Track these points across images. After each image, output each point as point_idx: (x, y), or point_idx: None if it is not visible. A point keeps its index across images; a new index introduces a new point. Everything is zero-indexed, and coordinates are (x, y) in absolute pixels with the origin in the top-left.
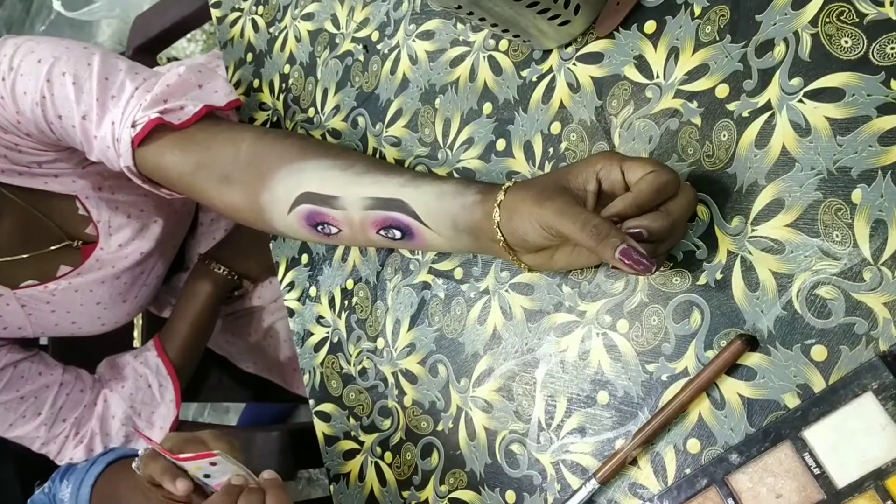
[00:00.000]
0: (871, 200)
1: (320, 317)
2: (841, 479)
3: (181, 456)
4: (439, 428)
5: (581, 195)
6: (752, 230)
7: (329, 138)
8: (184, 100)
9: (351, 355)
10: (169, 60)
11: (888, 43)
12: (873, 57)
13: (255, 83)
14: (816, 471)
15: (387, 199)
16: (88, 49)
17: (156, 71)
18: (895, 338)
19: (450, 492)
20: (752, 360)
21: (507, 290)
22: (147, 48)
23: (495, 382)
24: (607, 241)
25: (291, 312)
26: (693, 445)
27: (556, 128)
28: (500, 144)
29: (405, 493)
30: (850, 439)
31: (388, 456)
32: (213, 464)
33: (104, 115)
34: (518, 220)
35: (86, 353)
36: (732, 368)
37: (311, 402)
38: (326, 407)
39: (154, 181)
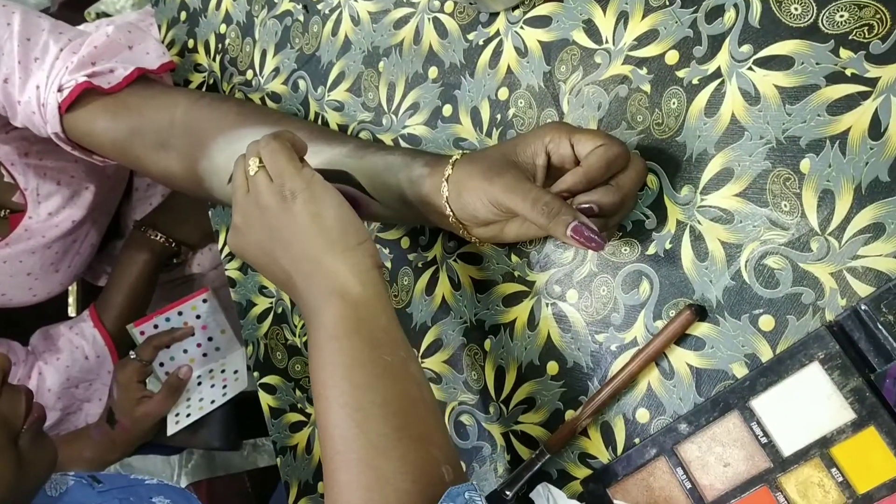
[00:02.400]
0: (820, 170)
1: (263, 287)
2: (787, 448)
3: (182, 299)
4: None
5: (530, 169)
6: (702, 200)
7: (269, 102)
8: (113, 62)
9: (296, 326)
10: (98, 16)
11: (837, 10)
12: (823, 24)
13: (190, 43)
14: (763, 440)
15: (331, 171)
16: (7, 7)
17: (82, 31)
18: (841, 308)
19: None
20: (701, 329)
21: (454, 260)
22: (74, 3)
23: (444, 353)
24: (558, 218)
25: (233, 283)
26: (642, 415)
27: (503, 93)
28: (447, 110)
29: None
30: (797, 408)
31: None
32: (205, 300)
33: (28, 78)
34: (467, 196)
35: (18, 325)
36: (681, 338)
37: (256, 374)
38: (271, 379)
39: (85, 147)
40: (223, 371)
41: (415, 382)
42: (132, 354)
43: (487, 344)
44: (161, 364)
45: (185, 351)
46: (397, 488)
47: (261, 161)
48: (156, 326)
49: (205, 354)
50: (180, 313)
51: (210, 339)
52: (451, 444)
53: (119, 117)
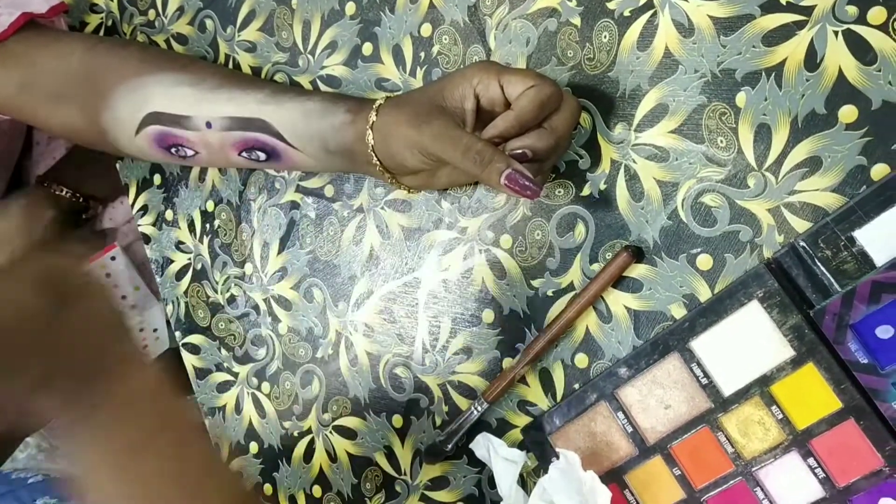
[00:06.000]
0: (756, 104)
1: (180, 242)
2: (727, 388)
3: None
4: (318, 355)
5: (459, 113)
6: (636, 137)
7: (174, 45)
8: None
9: (217, 282)
10: None
11: None
12: None
13: None
14: (704, 380)
15: (246, 119)
16: None
17: None
18: (779, 244)
19: (333, 419)
20: (638, 271)
21: (382, 208)
22: None
23: (375, 305)
24: (491, 166)
25: (147, 239)
26: (581, 360)
27: (426, 30)
28: (367, 49)
29: (286, 424)
30: (736, 348)
31: (265, 386)
32: (113, 258)
33: None
34: (394, 144)
35: None
36: (618, 281)
37: (178, 333)
38: (194, 338)
39: None
40: (142, 330)
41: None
42: None
43: (421, 294)
44: None
45: None
46: None
47: None
48: None
49: None
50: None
51: (123, 297)
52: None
53: (8, 69)
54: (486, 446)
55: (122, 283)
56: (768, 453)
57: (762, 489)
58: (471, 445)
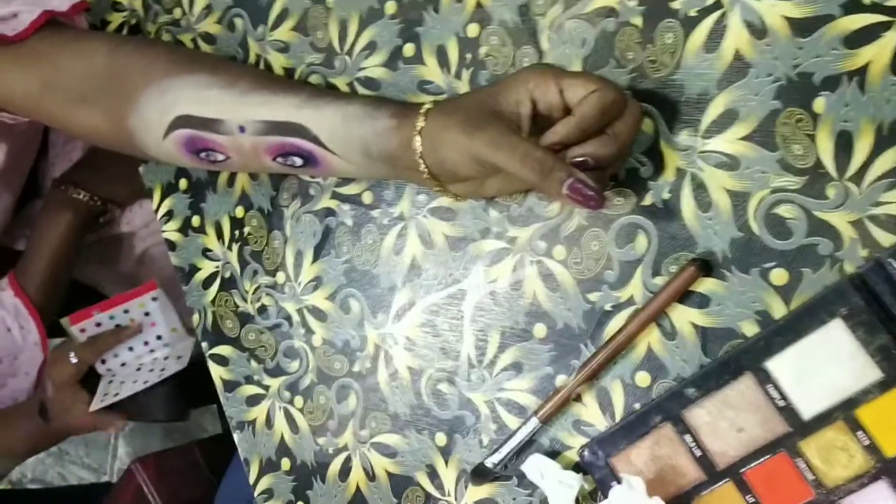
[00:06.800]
0: (836, 110)
1: (207, 249)
2: (807, 411)
3: (127, 293)
4: (355, 369)
5: (514, 119)
6: (703, 144)
7: (202, 44)
8: (15, 5)
9: (247, 292)
10: None
11: None
12: None
13: None
14: (781, 403)
15: (282, 123)
16: None
17: None
18: (862, 259)
19: (372, 436)
20: (706, 286)
21: (425, 216)
22: None
23: (417, 317)
24: (552, 175)
25: (173, 246)
26: (642, 379)
27: (473, 30)
28: (408, 49)
29: (321, 440)
30: (817, 369)
31: (298, 401)
32: (155, 298)
33: None
34: (444, 151)
35: None
36: (684, 296)
37: (205, 344)
38: (223, 349)
39: None
40: (166, 358)
41: None
42: (73, 358)
43: (467, 307)
44: (103, 361)
45: (131, 349)
46: None
47: None
48: (98, 325)
49: (152, 351)
50: (126, 311)
51: (159, 337)
52: None
53: (29, 69)
54: (538, 468)
55: (160, 324)
56: (853, 481)
57: None
58: (521, 467)
